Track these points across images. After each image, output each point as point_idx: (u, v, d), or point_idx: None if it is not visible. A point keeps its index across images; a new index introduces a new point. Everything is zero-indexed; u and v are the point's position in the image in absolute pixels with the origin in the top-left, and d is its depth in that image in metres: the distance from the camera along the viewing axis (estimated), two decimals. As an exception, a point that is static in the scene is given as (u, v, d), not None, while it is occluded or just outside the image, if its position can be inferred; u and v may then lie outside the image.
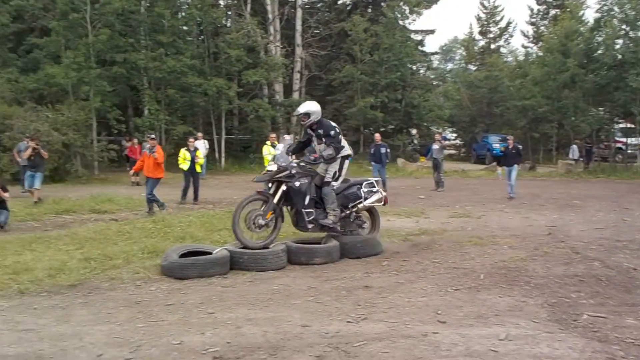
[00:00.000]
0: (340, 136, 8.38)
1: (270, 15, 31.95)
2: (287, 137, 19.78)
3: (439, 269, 7.50)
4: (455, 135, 42.64)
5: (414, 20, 34.14)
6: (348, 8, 36.65)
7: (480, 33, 44.55)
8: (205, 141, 23.20)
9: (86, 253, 7.91)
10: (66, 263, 7.33)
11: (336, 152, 8.20)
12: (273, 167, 8.07)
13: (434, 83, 38.64)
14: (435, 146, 19.19)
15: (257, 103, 29.02)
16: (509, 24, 43.31)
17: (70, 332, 5.07)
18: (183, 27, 29.14)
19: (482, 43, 44.71)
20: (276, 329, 5.09)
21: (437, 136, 20.69)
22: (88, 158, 23.40)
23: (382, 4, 34.43)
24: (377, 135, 18.74)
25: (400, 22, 32.72)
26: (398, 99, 32.11)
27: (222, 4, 32.65)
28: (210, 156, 24.95)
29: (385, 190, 16.91)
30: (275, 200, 7.94)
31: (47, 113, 22.04)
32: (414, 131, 35.35)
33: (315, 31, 34.18)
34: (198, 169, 15.90)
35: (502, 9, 43.78)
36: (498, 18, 43.72)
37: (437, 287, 6.58)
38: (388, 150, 17.97)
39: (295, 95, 32.17)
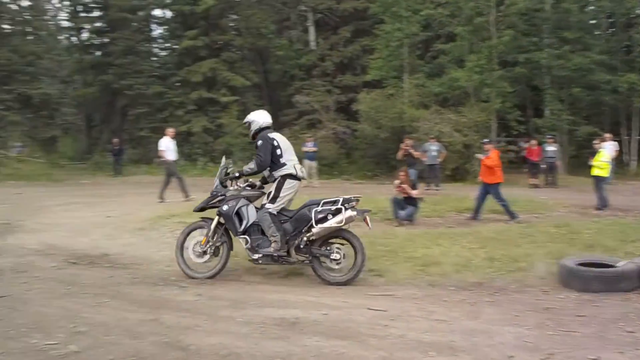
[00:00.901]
0: (278, 150, 7.13)
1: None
2: None
3: None
4: None
5: None
6: None
7: None
8: (615, 142, 21.03)
9: (489, 252, 7.85)
10: (471, 260, 7.53)
11: (258, 167, 7.10)
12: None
13: None
14: None
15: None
16: None
17: (479, 329, 5.19)
18: (591, 22, 27.20)
19: None
20: None
21: None
22: (487, 159, 23.64)
23: None
24: None
25: None
26: None
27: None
28: (618, 159, 22.53)
29: None
30: (212, 225, 7.21)
31: (450, 115, 23.16)
32: None
33: None
34: (593, 171, 14.09)
35: None
36: None
37: None
38: None
39: None
